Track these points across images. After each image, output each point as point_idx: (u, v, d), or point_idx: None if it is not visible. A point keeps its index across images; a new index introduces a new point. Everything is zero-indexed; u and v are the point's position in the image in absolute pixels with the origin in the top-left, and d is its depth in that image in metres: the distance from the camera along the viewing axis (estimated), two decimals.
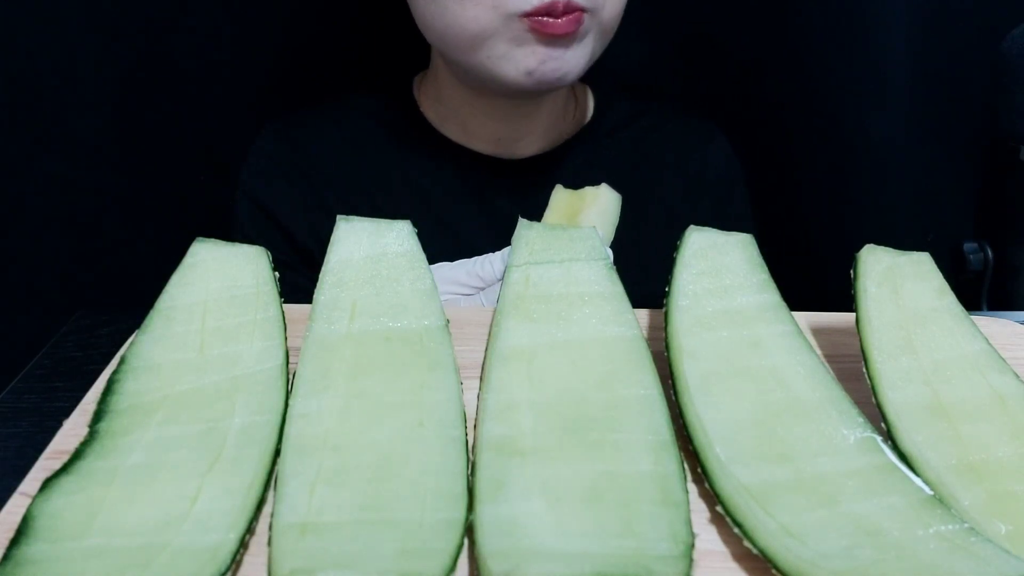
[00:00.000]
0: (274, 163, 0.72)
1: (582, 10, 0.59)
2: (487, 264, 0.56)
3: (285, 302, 0.46)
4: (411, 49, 0.69)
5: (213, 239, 0.48)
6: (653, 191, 0.74)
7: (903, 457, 0.37)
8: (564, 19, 0.58)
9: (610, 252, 0.52)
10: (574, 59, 0.61)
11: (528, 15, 0.58)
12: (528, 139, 0.71)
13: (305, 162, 0.72)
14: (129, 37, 0.78)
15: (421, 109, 0.73)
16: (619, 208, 0.62)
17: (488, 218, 0.70)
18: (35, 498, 0.34)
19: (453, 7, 0.59)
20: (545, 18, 0.58)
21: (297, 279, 0.65)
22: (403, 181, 0.71)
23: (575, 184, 0.64)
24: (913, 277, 0.46)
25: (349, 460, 0.36)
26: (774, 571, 0.32)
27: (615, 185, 0.63)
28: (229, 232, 0.73)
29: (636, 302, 0.46)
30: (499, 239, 0.53)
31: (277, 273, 0.47)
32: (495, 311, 0.46)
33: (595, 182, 0.68)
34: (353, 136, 0.73)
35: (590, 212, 0.61)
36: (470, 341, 0.47)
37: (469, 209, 0.70)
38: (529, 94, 0.65)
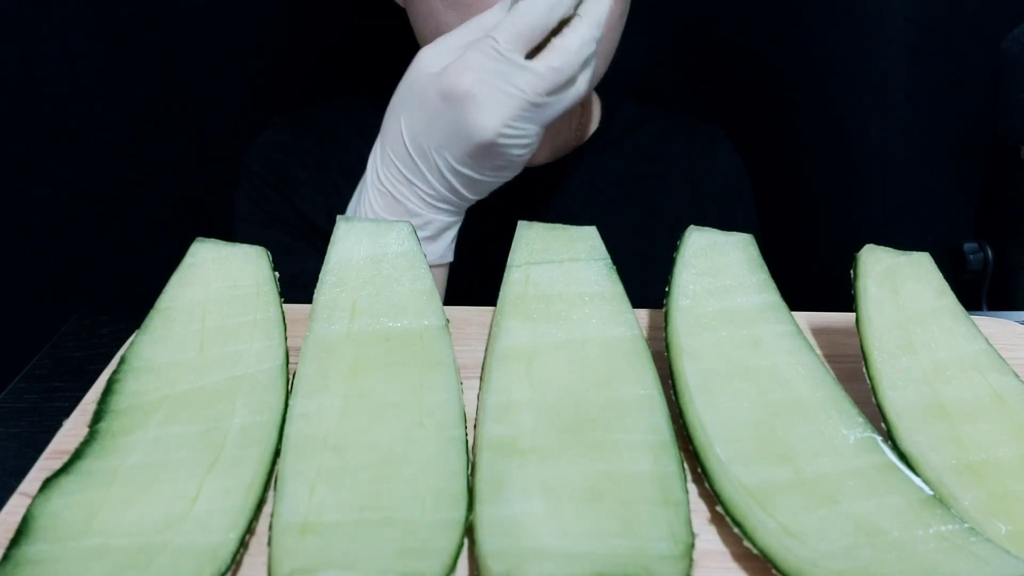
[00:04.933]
0: (288, 150, 0.72)
1: None
2: (487, 16, 0.54)
3: (286, 302, 0.46)
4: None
5: (213, 239, 0.48)
6: (659, 198, 0.74)
7: (903, 457, 0.37)
8: None
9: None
10: None
11: None
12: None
13: (319, 150, 0.72)
14: (130, 38, 0.78)
15: None
16: None
17: (495, 228, 0.70)
18: (35, 498, 0.34)
19: (443, 30, 0.59)
20: None
21: (316, 263, 0.65)
22: None
23: (581, 191, 0.64)
24: (913, 277, 0.46)
25: (349, 460, 0.36)
26: (774, 571, 0.32)
27: (621, 192, 0.63)
28: (229, 232, 0.73)
29: (641, 308, 0.46)
30: (505, 249, 0.53)
31: (277, 273, 0.47)
32: (495, 311, 0.45)
33: (602, 190, 0.68)
34: (362, 133, 0.73)
35: None
36: (470, 341, 0.47)
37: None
38: None
